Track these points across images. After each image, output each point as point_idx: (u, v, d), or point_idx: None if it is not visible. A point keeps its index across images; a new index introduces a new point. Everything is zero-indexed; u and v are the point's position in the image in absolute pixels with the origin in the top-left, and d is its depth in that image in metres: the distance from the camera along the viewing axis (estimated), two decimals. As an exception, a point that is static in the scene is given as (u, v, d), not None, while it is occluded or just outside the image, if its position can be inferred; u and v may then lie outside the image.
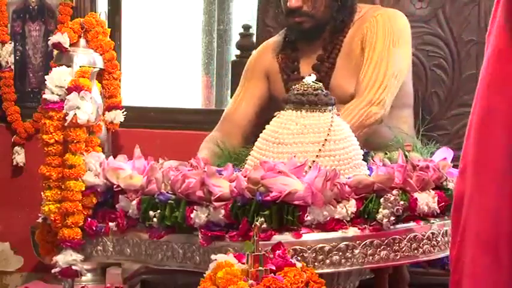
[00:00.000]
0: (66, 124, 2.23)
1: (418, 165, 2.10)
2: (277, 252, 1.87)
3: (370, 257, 1.99)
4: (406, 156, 2.20)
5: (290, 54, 2.81)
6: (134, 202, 2.14)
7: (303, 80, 2.24)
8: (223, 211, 1.98)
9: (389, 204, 1.98)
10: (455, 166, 2.20)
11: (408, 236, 2.02)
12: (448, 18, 3.01)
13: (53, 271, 2.26)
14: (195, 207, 2.02)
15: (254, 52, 2.98)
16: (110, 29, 3.39)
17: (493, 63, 1.44)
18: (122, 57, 3.86)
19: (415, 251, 2.04)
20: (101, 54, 3.30)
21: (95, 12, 3.64)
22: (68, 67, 2.35)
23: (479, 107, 1.45)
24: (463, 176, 1.49)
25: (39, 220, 2.36)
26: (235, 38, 3.77)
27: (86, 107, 2.24)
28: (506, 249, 1.36)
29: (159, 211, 2.09)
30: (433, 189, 2.10)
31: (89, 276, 3.43)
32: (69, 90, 2.25)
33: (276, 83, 2.83)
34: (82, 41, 3.25)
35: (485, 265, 1.39)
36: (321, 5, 2.69)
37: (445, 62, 2.99)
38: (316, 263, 1.94)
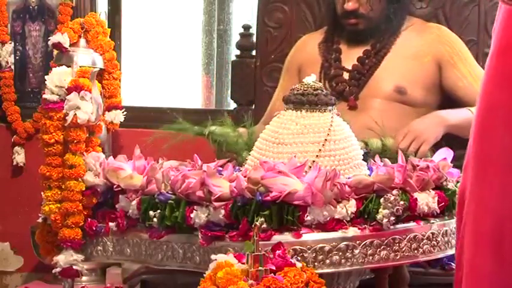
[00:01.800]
0: (66, 124, 2.24)
1: (418, 165, 2.10)
2: (277, 252, 1.87)
3: (370, 257, 1.99)
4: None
5: (331, 45, 2.88)
6: (134, 202, 2.14)
7: (303, 80, 2.25)
8: (223, 211, 1.98)
9: (389, 204, 1.98)
10: (455, 166, 2.21)
11: (408, 236, 2.02)
12: (448, 18, 3.01)
13: (53, 271, 2.26)
14: (195, 207, 2.02)
15: (293, 47, 3.02)
16: (110, 29, 3.39)
17: (496, 59, 1.44)
18: (122, 57, 3.86)
19: (415, 251, 2.04)
20: (101, 54, 3.29)
21: (95, 12, 3.64)
22: (68, 67, 2.35)
23: (481, 102, 1.46)
24: (466, 172, 1.49)
25: (39, 220, 2.36)
26: (235, 38, 3.77)
27: (86, 107, 2.24)
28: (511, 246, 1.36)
29: (159, 211, 2.09)
30: (433, 189, 2.10)
31: (88, 276, 3.43)
32: (69, 90, 2.25)
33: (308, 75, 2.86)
34: (82, 41, 3.24)
35: (486, 262, 1.39)
36: (377, 7, 2.76)
37: (445, 62, 2.99)
38: (316, 263, 1.94)
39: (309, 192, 1.93)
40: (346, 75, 2.83)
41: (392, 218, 1.98)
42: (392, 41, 2.83)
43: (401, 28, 2.86)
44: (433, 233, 2.06)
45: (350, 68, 2.83)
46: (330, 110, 2.20)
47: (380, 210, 1.98)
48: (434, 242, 2.07)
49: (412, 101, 2.77)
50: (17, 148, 3.86)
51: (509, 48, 1.41)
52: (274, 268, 1.83)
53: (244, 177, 2.01)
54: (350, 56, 2.85)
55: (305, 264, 1.89)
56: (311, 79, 2.23)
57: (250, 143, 2.48)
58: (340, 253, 1.96)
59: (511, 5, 1.40)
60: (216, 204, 1.98)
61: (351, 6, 2.77)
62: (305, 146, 2.14)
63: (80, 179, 2.23)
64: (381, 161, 2.23)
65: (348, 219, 1.98)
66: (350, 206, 1.98)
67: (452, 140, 2.64)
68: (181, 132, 2.54)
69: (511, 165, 1.37)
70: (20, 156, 3.86)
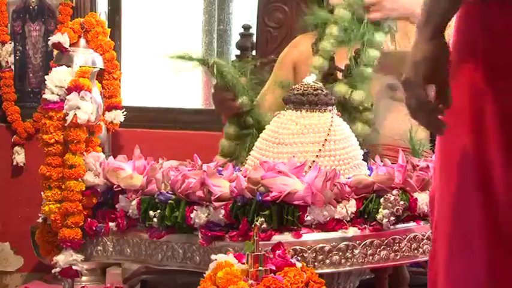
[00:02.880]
0: (66, 124, 2.24)
1: (418, 165, 2.10)
2: (277, 252, 1.87)
3: (370, 257, 1.99)
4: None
5: None
6: (134, 202, 2.14)
7: (303, 80, 2.25)
8: (223, 211, 1.98)
9: (389, 204, 1.98)
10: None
11: (408, 236, 2.02)
12: (448, 18, 3.01)
13: (53, 271, 2.27)
14: (195, 207, 2.02)
15: (288, 45, 3.02)
16: (110, 29, 3.39)
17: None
18: (122, 57, 3.86)
19: (415, 251, 2.04)
20: (101, 54, 3.30)
21: (95, 12, 3.64)
22: (68, 67, 2.36)
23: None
24: (435, 173, 1.49)
25: (39, 220, 2.36)
26: (235, 38, 3.77)
27: (86, 107, 2.24)
28: (482, 247, 1.36)
29: (159, 211, 2.09)
30: (433, 189, 2.10)
31: (88, 276, 3.43)
32: (69, 90, 2.25)
33: (304, 72, 2.86)
34: (82, 41, 3.26)
35: (459, 262, 1.39)
36: None
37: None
38: (316, 263, 1.94)
39: (309, 192, 1.93)
40: (339, 75, 2.82)
41: (392, 218, 1.98)
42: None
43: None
44: (433, 233, 2.06)
45: (343, 67, 2.82)
46: (330, 110, 2.20)
47: (380, 210, 1.98)
48: (434, 242, 2.07)
49: (402, 97, 2.75)
50: (17, 148, 3.87)
51: (460, 52, 1.42)
52: (274, 268, 1.83)
53: (244, 177, 2.01)
54: (343, 55, 2.84)
55: (305, 264, 1.89)
56: (311, 79, 2.23)
57: (248, 88, 2.49)
58: (340, 253, 1.96)
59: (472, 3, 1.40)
60: (216, 204, 1.98)
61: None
62: (305, 146, 2.14)
63: (80, 179, 2.23)
64: (381, 161, 2.23)
65: (348, 219, 1.98)
66: (350, 206, 1.98)
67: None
68: (185, 59, 2.49)
69: (472, 164, 1.38)
70: (20, 156, 3.86)
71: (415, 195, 2.04)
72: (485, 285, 1.36)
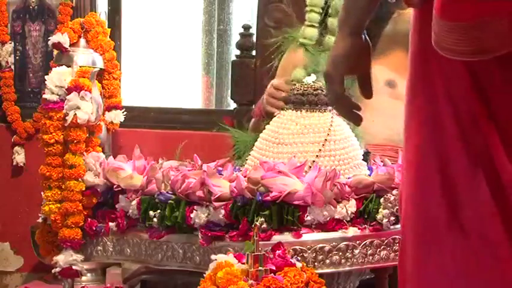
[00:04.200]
0: (66, 124, 2.24)
1: (418, 165, 2.10)
2: (277, 252, 1.87)
3: (370, 257, 1.99)
4: None
5: None
6: (134, 202, 2.14)
7: (303, 80, 2.25)
8: (223, 211, 1.98)
9: (389, 204, 1.98)
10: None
11: (408, 236, 2.02)
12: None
13: (53, 271, 2.27)
14: (195, 207, 2.02)
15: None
16: (110, 29, 3.39)
17: (410, 64, 1.46)
18: (122, 57, 3.86)
19: (415, 251, 2.04)
20: (101, 54, 3.30)
21: (95, 12, 3.64)
22: (68, 67, 2.36)
23: (405, 105, 1.47)
24: (402, 173, 1.50)
25: (39, 220, 2.36)
26: (235, 38, 3.77)
27: (86, 107, 2.24)
28: (450, 245, 1.36)
29: (159, 211, 2.09)
30: (433, 189, 2.10)
31: (88, 276, 3.43)
32: (69, 90, 2.25)
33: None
34: (82, 41, 3.25)
35: (428, 263, 1.39)
36: None
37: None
38: (316, 263, 1.94)
39: (309, 192, 1.93)
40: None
41: (392, 218, 1.98)
42: (381, 31, 2.79)
43: (390, 18, 2.82)
44: (433, 233, 2.06)
45: None
46: (330, 110, 2.20)
47: (380, 210, 1.99)
48: (434, 242, 2.06)
49: (402, 95, 2.73)
50: (17, 148, 3.87)
51: (417, 54, 1.42)
52: (274, 268, 1.83)
53: (244, 177, 2.01)
54: None
55: (305, 264, 1.89)
56: (311, 79, 2.23)
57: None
58: (340, 253, 1.96)
59: (413, 6, 1.41)
60: (216, 204, 1.98)
61: None
62: (305, 146, 2.14)
63: (80, 179, 2.23)
64: (381, 161, 2.23)
65: (348, 219, 1.98)
66: (350, 206, 1.98)
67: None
68: None
69: (428, 163, 1.38)
70: (20, 156, 3.86)
71: (415, 195, 2.04)
72: (456, 283, 1.36)
